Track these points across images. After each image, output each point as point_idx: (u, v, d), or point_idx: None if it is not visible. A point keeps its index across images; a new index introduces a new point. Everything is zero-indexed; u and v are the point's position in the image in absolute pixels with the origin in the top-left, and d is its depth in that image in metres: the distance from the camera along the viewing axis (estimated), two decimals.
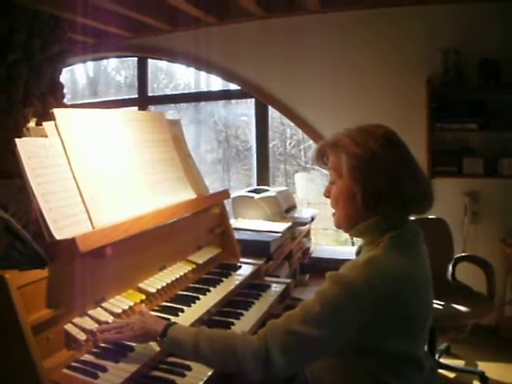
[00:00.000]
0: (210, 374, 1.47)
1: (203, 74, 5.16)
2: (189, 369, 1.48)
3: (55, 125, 1.56)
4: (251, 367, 1.27)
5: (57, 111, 1.57)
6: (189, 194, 2.09)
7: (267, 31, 4.27)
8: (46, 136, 1.52)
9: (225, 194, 2.41)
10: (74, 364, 1.38)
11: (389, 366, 1.33)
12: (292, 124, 4.66)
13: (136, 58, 5.13)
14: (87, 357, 1.43)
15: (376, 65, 3.95)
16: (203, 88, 5.53)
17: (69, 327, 1.43)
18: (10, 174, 1.90)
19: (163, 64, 6.92)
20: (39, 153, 1.45)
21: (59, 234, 1.37)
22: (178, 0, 3.68)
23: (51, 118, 1.56)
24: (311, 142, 7.05)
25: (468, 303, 2.99)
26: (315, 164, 1.57)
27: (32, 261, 1.34)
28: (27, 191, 1.45)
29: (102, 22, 4.09)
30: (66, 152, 1.55)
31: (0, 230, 1.38)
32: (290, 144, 7.57)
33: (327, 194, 1.48)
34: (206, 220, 2.28)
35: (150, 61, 5.11)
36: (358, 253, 1.49)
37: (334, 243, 5.92)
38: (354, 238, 6.03)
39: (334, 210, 1.48)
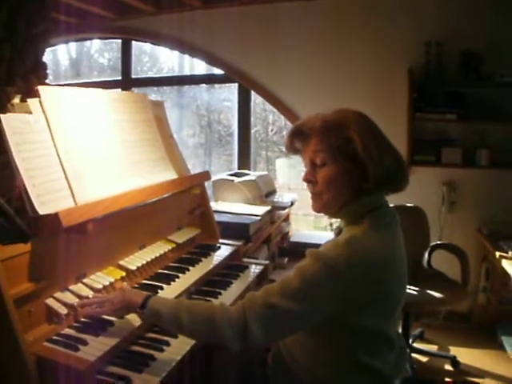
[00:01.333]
0: (187, 348, 1.51)
1: (187, 58, 5.13)
2: (167, 344, 1.52)
3: (40, 102, 1.57)
4: (229, 337, 1.31)
5: (42, 88, 1.59)
6: (170, 175, 2.12)
7: (250, 17, 4.27)
8: (31, 112, 1.53)
9: (205, 175, 2.43)
10: (54, 337, 1.40)
11: (363, 342, 1.38)
12: (274, 110, 4.68)
13: (120, 40, 5.10)
14: (68, 331, 1.45)
15: (359, 52, 3.98)
16: (187, 72, 5.50)
17: (50, 301, 1.46)
18: None
19: (147, 47, 6.86)
20: (24, 128, 1.46)
21: (42, 209, 1.40)
22: None
23: (35, 95, 1.57)
24: None
25: (442, 290, 3.07)
26: (287, 150, 1.56)
27: (15, 235, 1.36)
28: (11, 167, 1.46)
29: (87, 2, 4.06)
30: (49, 129, 1.57)
31: None
32: (271, 130, 7.58)
33: (311, 178, 1.45)
34: (186, 201, 2.31)
35: (134, 43, 5.08)
36: (338, 233, 1.52)
37: (313, 229, 5.98)
38: (333, 224, 6.12)
39: (315, 195, 1.46)
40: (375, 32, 3.92)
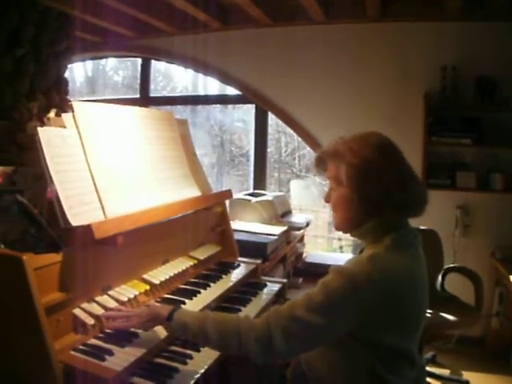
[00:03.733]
0: (210, 362, 1.53)
1: (201, 77, 5.23)
2: (190, 357, 1.54)
3: (73, 116, 1.62)
4: (254, 349, 1.34)
5: (75, 103, 1.64)
6: (194, 192, 2.16)
7: (269, 38, 4.36)
8: (65, 127, 1.58)
9: (228, 193, 2.48)
10: (81, 347, 1.43)
11: (384, 359, 1.39)
12: (287, 132, 4.75)
13: (137, 59, 5.20)
14: (94, 341, 1.48)
15: (376, 76, 4.04)
16: (200, 92, 5.60)
17: (78, 311, 1.48)
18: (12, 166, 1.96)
19: (161, 66, 6.97)
20: (58, 142, 1.51)
21: (74, 221, 1.43)
22: (186, 4, 3.74)
23: (69, 109, 1.62)
24: (306, 150, 7.14)
25: (456, 313, 3.06)
26: (314, 171, 1.65)
27: (47, 245, 1.40)
28: (42, 180, 1.51)
29: (109, 21, 4.15)
30: (82, 143, 1.62)
31: (16, 214, 1.44)
32: (285, 152, 7.63)
33: (327, 200, 1.56)
34: (208, 218, 2.36)
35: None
36: (361, 252, 1.56)
37: (323, 251, 5.98)
38: (344, 247, 6.13)
39: (333, 214, 1.56)
40: (392, 56, 3.99)
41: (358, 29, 4.08)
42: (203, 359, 1.55)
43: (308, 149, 6.88)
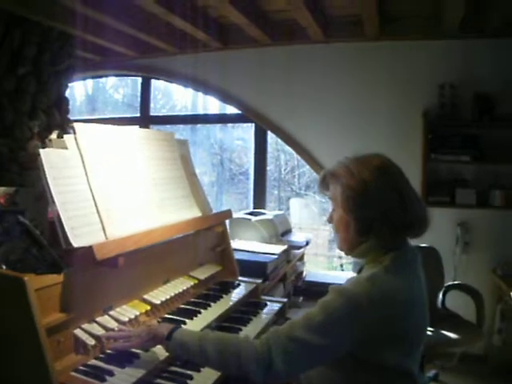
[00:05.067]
0: (211, 383, 1.53)
1: (200, 96, 5.27)
2: (190, 378, 1.54)
3: (75, 138, 1.64)
4: (253, 370, 1.33)
5: (77, 125, 1.65)
6: (194, 212, 2.17)
7: (269, 57, 4.41)
8: (66, 148, 1.59)
9: (227, 213, 2.49)
10: (81, 368, 1.43)
11: (384, 378, 1.39)
12: (286, 150, 4.76)
13: (137, 78, 5.24)
14: (94, 362, 1.47)
15: (375, 94, 4.08)
16: (200, 111, 5.64)
17: (78, 332, 1.48)
18: (13, 185, 1.97)
19: (161, 84, 7.02)
20: (60, 163, 1.52)
21: (76, 242, 1.44)
22: (185, 24, 3.78)
23: (70, 129, 1.64)
24: (305, 168, 7.16)
25: (457, 331, 3.05)
26: (320, 191, 1.65)
27: (48, 266, 1.40)
28: (43, 200, 1.52)
29: (110, 40, 4.19)
30: (83, 164, 1.63)
31: (18, 235, 1.44)
32: (284, 170, 7.64)
33: (330, 220, 1.58)
34: (208, 238, 2.36)
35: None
36: (359, 271, 1.56)
37: (325, 269, 5.97)
38: (344, 265, 6.12)
39: (335, 235, 1.59)
40: (391, 74, 4.04)
41: (357, 48, 4.13)
42: (203, 379, 1.54)
43: (307, 167, 6.91)
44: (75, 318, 1.47)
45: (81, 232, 1.48)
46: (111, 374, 1.41)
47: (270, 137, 4.80)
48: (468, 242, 3.85)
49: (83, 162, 1.63)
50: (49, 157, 1.48)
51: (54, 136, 1.66)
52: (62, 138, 1.60)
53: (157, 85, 6.23)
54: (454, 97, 3.81)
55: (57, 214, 1.44)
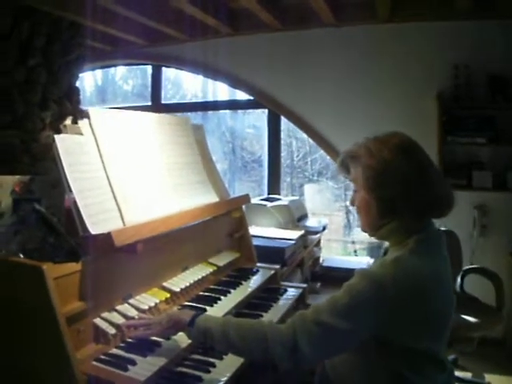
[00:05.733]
0: (234, 370, 1.50)
1: (210, 84, 5.23)
2: (213, 365, 1.51)
3: (90, 124, 1.61)
4: (279, 354, 1.31)
5: (92, 110, 1.62)
6: (212, 197, 2.14)
7: (280, 42, 4.35)
8: (82, 134, 1.57)
9: (245, 198, 2.45)
10: (103, 357, 1.41)
11: (412, 363, 1.36)
12: (298, 137, 4.72)
13: (146, 67, 5.22)
14: (115, 351, 1.45)
15: (388, 77, 4.01)
16: (210, 98, 5.59)
17: (98, 321, 1.46)
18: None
19: (171, 73, 6.97)
20: (76, 149, 1.50)
21: (94, 229, 1.41)
22: (195, 10, 3.74)
23: (84, 116, 1.61)
24: (317, 154, 7.10)
25: (477, 315, 3.01)
26: (340, 173, 1.62)
27: (66, 254, 1.38)
28: (60, 188, 1.49)
29: (121, 29, 4.15)
30: (99, 150, 1.60)
31: (34, 223, 1.42)
32: (297, 156, 7.58)
33: (352, 203, 1.55)
34: (226, 224, 2.33)
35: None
36: (385, 254, 1.53)
37: (338, 255, 5.93)
38: (358, 250, 6.08)
39: (358, 217, 1.55)
40: (404, 56, 3.97)
41: (369, 30, 4.06)
42: (226, 367, 1.52)
43: (320, 153, 6.84)
44: (95, 306, 1.45)
45: (98, 219, 1.46)
46: (133, 362, 1.38)
47: (282, 123, 4.75)
48: (485, 225, 3.80)
49: (98, 147, 1.60)
50: (64, 143, 1.46)
51: (68, 122, 1.61)
52: (77, 123, 1.57)
53: (167, 75, 6.18)
54: (469, 78, 3.74)
55: (73, 202, 1.41)
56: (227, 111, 6.28)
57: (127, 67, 6.58)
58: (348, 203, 1.63)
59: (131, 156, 1.74)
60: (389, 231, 1.46)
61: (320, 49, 4.23)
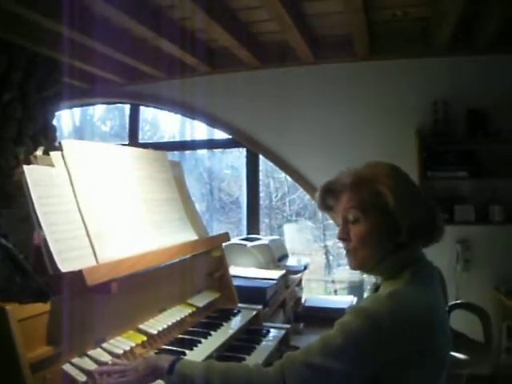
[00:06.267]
0: None
1: (188, 124, 5.20)
2: None
3: (62, 155, 1.52)
4: None
5: (64, 142, 1.54)
6: (191, 235, 2.04)
7: (259, 80, 4.36)
8: (53, 165, 1.48)
9: (225, 236, 2.36)
10: None
11: None
12: (276, 177, 4.69)
13: (125, 107, 5.18)
14: None
15: (367, 115, 4.02)
16: (188, 138, 5.57)
17: (67, 367, 1.32)
18: None
19: (148, 114, 6.95)
20: (46, 181, 1.40)
21: (64, 267, 1.31)
22: (174, 48, 3.73)
23: (57, 148, 1.52)
24: (295, 195, 7.09)
25: (466, 351, 2.94)
26: (320, 208, 1.52)
27: (34, 294, 1.27)
28: (28, 223, 1.39)
29: (98, 66, 4.13)
30: (71, 183, 1.50)
31: (0, 260, 1.31)
32: (275, 197, 7.55)
33: (344, 236, 1.39)
34: (206, 263, 2.23)
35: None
36: (376, 289, 1.44)
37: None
38: (338, 290, 5.99)
39: (351, 252, 1.39)
40: (383, 93, 4.01)
41: (348, 68, 4.10)
42: None
43: (298, 193, 6.82)
44: (64, 351, 1.32)
45: (69, 256, 1.35)
46: None
47: (261, 163, 4.72)
48: (469, 260, 3.77)
49: (71, 180, 1.50)
50: (33, 174, 1.36)
51: (39, 153, 1.52)
52: (48, 155, 1.48)
53: (144, 116, 6.14)
54: (448, 113, 3.78)
55: (43, 238, 1.31)
56: (205, 152, 6.26)
57: (106, 107, 6.55)
58: (337, 238, 1.46)
59: (106, 190, 1.65)
60: (388, 265, 1.35)
61: (299, 86, 4.24)
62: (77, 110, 7.09)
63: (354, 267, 1.41)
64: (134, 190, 1.82)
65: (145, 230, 1.76)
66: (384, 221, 1.32)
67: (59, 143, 1.54)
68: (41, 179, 1.38)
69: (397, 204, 1.29)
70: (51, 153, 1.49)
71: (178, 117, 5.47)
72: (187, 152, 5.68)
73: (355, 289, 5.54)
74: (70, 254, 1.36)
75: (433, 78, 3.87)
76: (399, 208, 1.29)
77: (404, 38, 3.83)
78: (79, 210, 1.49)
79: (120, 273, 1.45)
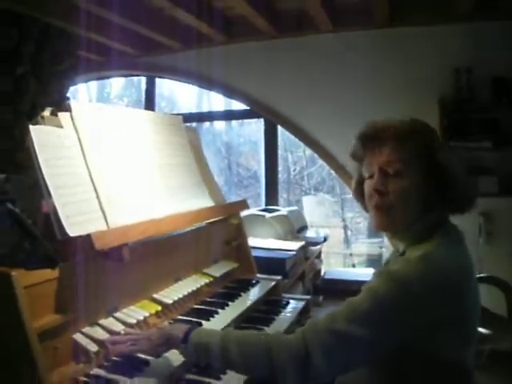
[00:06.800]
0: None
1: (205, 99, 5.12)
2: None
3: (71, 116, 1.45)
4: (288, 370, 1.13)
5: (74, 103, 1.47)
6: (207, 202, 1.97)
7: (276, 50, 4.24)
8: (61, 127, 1.41)
9: (243, 204, 2.28)
10: (83, 379, 1.22)
11: (438, 377, 1.19)
12: (294, 151, 4.61)
13: (141, 84, 5.16)
14: (97, 371, 1.27)
15: (387, 83, 3.89)
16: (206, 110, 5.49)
17: (78, 337, 1.27)
18: None
19: (165, 89, 6.88)
20: (54, 142, 1.33)
21: (72, 231, 1.24)
22: (190, 17, 3.63)
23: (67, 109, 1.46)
24: (313, 168, 7.01)
25: (488, 326, 2.85)
26: (353, 156, 1.41)
27: (41, 259, 1.21)
28: (37, 188, 1.33)
29: (112, 38, 4.05)
30: (81, 145, 1.43)
31: (7, 226, 1.26)
32: (293, 170, 7.48)
33: (382, 188, 1.26)
34: (223, 231, 2.15)
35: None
36: (402, 255, 1.34)
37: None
38: (356, 263, 5.94)
39: (383, 209, 1.28)
40: (404, 61, 3.86)
41: (368, 36, 3.95)
42: None
43: (316, 167, 6.74)
44: (74, 320, 1.27)
45: (78, 220, 1.28)
46: None
47: (279, 138, 4.64)
48: (491, 233, 3.65)
49: (80, 142, 1.43)
50: (40, 134, 1.29)
51: (47, 113, 1.45)
52: (56, 116, 1.41)
53: (161, 91, 6.07)
54: (471, 81, 3.63)
55: (52, 205, 1.24)
56: (223, 127, 6.19)
57: (123, 85, 6.51)
58: (373, 190, 1.29)
59: (117, 153, 1.57)
60: (419, 226, 1.27)
61: (317, 55, 4.11)
62: (93, 87, 7.05)
63: (381, 226, 1.32)
64: (148, 155, 1.74)
65: (158, 195, 1.69)
66: (426, 178, 1.25)
67: (68, 104, 1.46)
68: (48, 140, 1.31)
69: (451, 165, 1.24)
70: (59, 113, 1.42)
71: (195, 91, 5.40)
72: (205, 127, 5.61)
73: (374, 262, 5.49)
74: (78, 218, 1.29)
75: (455, 45, 3.71)
76: (452, 169, 1.24)
77: (425, 4, 3.66)
78: (89, 172, 1.42)
79: (131, 238, 1.38)
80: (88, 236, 1.22)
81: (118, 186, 1.51)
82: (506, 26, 3.57)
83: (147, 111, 1.88)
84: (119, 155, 1.58)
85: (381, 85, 3.91)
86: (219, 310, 1.74)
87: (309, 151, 5.98)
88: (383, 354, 1.18)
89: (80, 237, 1.24)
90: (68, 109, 1.47)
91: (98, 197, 1.41)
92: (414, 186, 1.25)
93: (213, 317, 1.69)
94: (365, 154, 1.35)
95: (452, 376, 1.21)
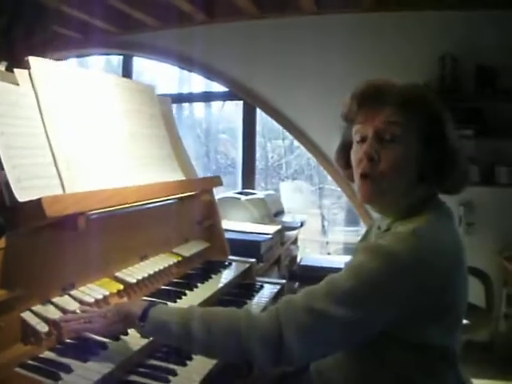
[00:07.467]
0: (199, 379, 1.22)
1: (185, 80, 4.99)
2: (174, 373, 1.21)
3: (29, 73, 1.31)
4: (258, 352, 1.03)
5: (32, 59, 1.32)
6: (177, 175, 1.84)
7: (258, 30, 4.14)
8: (18, 84, 1.27)
9: (216, 180, 2.15)
10: (30, 362, 1.10)
11: (423, 363, 1.11)
12: (273, 137, 4.54)
13: (121, 58, 4.95)
14: (48, 354, 1.15)
15: (370, 69, 3.77)
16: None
17: (27, 315, 1.14)
18: None
19: (145, 77, 6.72)
20: (8, 99, 1.19)
21: (22, 196, 1.11)
22: None
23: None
24: (292, 156, 6.93)
25: (466, 316, 2.80)
26: (346, 114, 1.29)
27: None
28: None
29: (90, 14, 3.94)
30: (39, 106, 1.29)
31: None
32: (271, 158, 7.41)
33: (374, 155, 1.14)
34: (194, 209, 2.03)
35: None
36: (387, 230, 1.23)
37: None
38: (332, 251, 5.89)
39: (373, 177, 1.15)
40: (388, 47, 3.79)
41: (352, 19, 3.87)
42: (191, 375, 1.23)
43: (295, 155, 6.67)
44: (23, 296, 1.13)
45: (30, 184, 1.15)
46: (68, 369, 1.08)
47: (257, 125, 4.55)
48: (472, 223, 3.61)
49: (38, 102, 1.29)
50: None
51: (1, 68, 1.31)
52: (12, 72, 1.27)
53: (139, 72, 5.90)
54: (456, 69, 3.58)
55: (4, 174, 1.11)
56: (202, 114, 6.10)
57: (103, 64, 6.31)
58: (363, 154, 1.15)
59: (81, 117, 1.44)
60: (410, 199, 1.17)
61: (300, 38, 4.01)
62: (73, 65, 6.83)
63: (368, 196, 1.19)
64: (115, 121, 1.61)
65: (124, 164, 1.56)
66: (423, 148, 1.15)
67: (26, 60, 1.32)
68: (1, 97, 1.18)
69: (450, 136, 1.16)
70: (16, 70, 1.28)
71: (176, 75, 5.27)
72: (184, 114, 5.51)
73: (350, 250, 5.43)
74: (31, 182, 1.16)
75: (441, 33, 3.65)
76: (454, 140, 1.17)
77: None
78: (46, 135, 1.28)
79: (89, 206, 1.24)
80: (38, 201, 1.08)
81: (79, 151, 1.37)
82: (492, 15, 3.52)
83: (117, 76, 1.75)
84: (83, 119, 1.45)
85: (364, 69, 3.80)
86: (187, 292, 1.63)
87: (288, 141, 5.89)
88: (365, 337, 1.08)
89: (30, 202, 1.10)
90: (26, 65, 1.33)
91: (55, 162, 1.27)
92: (410, 156, 1.15)
93: (180, 298, 1.58)
94: (358, 115, 1.23)
95: (437, 360, 1.12)
